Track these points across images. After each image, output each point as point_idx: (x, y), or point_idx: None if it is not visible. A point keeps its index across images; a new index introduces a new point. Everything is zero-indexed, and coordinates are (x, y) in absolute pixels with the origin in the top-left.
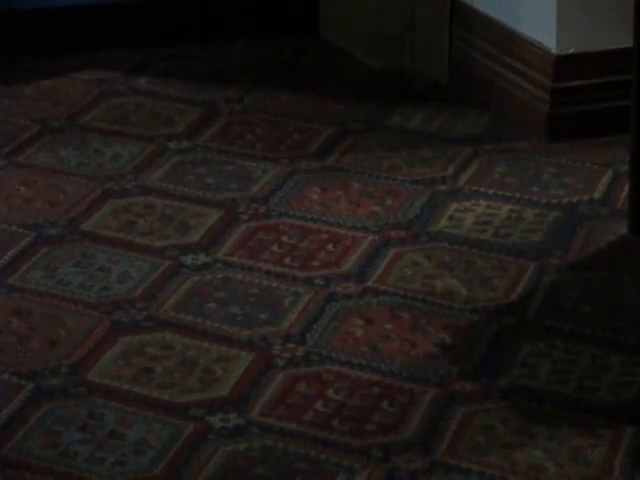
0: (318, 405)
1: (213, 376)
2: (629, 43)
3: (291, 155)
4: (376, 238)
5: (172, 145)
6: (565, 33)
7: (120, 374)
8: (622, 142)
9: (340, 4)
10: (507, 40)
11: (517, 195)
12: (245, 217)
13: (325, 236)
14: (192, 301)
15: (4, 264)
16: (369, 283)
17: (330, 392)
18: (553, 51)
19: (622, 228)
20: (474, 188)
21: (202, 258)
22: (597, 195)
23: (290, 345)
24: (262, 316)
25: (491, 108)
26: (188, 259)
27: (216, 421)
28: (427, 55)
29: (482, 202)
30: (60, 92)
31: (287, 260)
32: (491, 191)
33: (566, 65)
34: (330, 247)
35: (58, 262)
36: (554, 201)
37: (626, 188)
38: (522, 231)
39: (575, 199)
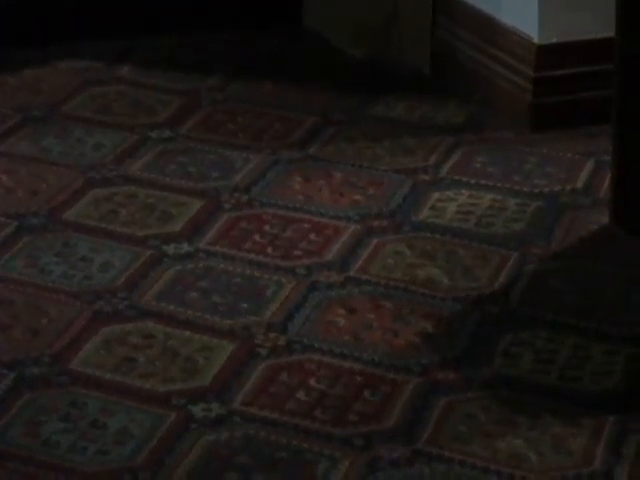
0: (300, 394)
1: (195, 365)
2: (611, 32)
3: (274, 145)
4: (358, 228)
5: (154, 134)
6: (547, 22)
7: (102, 363)
8: (604, 132)
9: None
10: (489, 29)
11: (499, 185)
12: (227, 206)
13: (307, 226)
14: (174, 290)
15: None
16: (351, 272)
17: (312, 381)
18: (535, 40)
19: (604, 218)
20: (456, 178)
21: (184, 247)
22: (579, 185)
23: (272, 334)
24: (244, 305)
25: (474, 98)
26: (170, 248)
27: (198, 410)
28: (410, 45)
29: (464, 192)
30: (42, 81)
31: (269, 249)
32: (473, 181)
33: (548, 54)
34: (312, 237)
35: (40, 251)
36: (536, 191)
37: (608, 178)
38: (504, 221)
39: (557, 189)
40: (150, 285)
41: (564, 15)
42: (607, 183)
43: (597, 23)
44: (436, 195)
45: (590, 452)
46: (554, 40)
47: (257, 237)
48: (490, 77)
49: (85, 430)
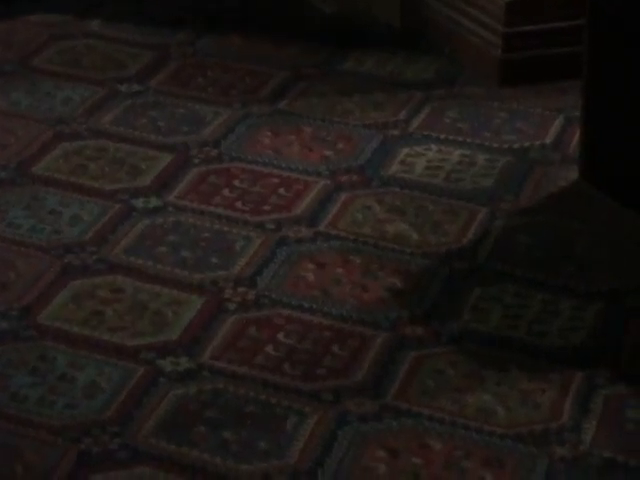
0: (269, 349)
1: (164, 319)
2: None
3: (243, 99)
4: (328, 182)
5: (123, 88)
6: None
7: (71, 317)
8: (574, 88)
9: None
10: None
11: (468, 140)
12: (196, 161)
13: (277, 180)
14: (143, 245)
15: None
16: (320, 227)
17: (281, 336)
18: None
19: (573, 173)
20: (426, 133)
21: (153, 202)
22: (548, 140)
23: (241, 289)
24: (213, 260)
25: (444, 53)
26: (139, 202)
27: (167, 364)
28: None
29: (434, 147)
30: (11, 35)
31: (238, 204)
32: (443, 136)
33: (518, 10)
34: (282, 191)
35: (8, 205)
36: (505, 146)
37: (577, 133)
38: (473, 176)
39: (526, 144)
40: (119, 239)
41: None
42: (576, 139)
43: None
44: (405, 150)
45: (558, 407)
46: None
47: (226, 192)
48: (460, 33)
49: (54, 384)
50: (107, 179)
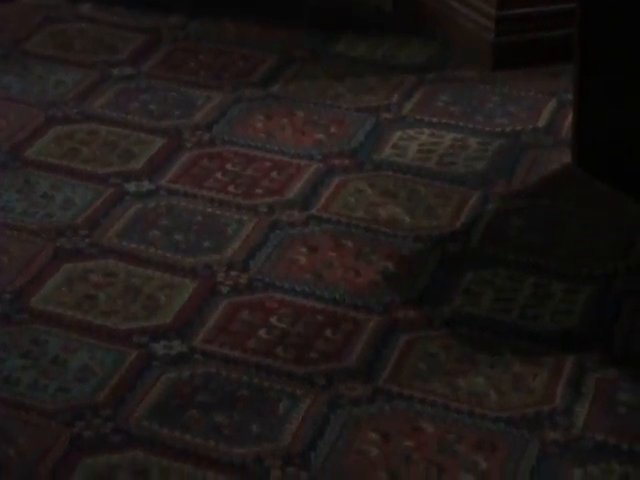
0: (261, 332)
1: (156, 303)
2: None
3: (235, 83)
4: (320, 166)
5: (115, 72)
6: None
7: (63, 300)
8: (566, 71)
9: None
10: None
11: (461, 123)
12: (189, 144)
13: (269, 164)
14: (136, 228)
15: None
16: (313, 211)
17: (273, 320)
18: None
19: (565, 157)
20: (418, 116)
21: (146, 185)
22: (541, 124)
23: (234, 273)
24: (206, 244)
25: (436, 36)
26: (131, 186)
27: (159, 348)
28: None
29: (426, 130)
30: (3, 18)
31: (231, 188)
32: (435, 119)
33: None
34: (274, 175)
35: (1, 189)
36: (498, 130)
37: (570, 117)
38: (466, 159)
39: (519, 128)
40: (111, 223)
41: None
42: (569, 122)
43: None
44: (398, 134)
45: (550, 390)
46: None
47: (219, 175)
48: (452, 16)
49: (46, 367)
50: (99, 163)
